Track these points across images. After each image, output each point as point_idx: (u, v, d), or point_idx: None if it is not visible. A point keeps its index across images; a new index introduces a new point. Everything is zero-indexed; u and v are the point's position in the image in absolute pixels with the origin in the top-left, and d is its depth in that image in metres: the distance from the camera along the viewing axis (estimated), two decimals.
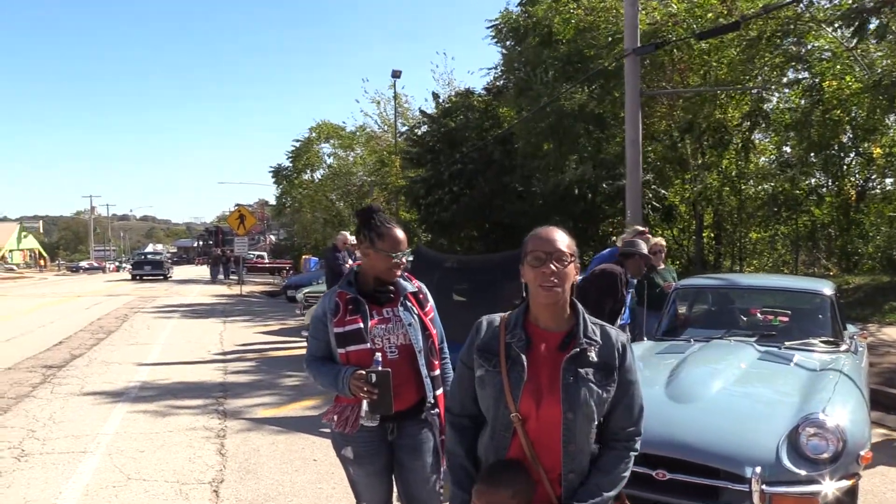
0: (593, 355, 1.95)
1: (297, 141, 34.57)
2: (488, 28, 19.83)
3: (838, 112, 15.92)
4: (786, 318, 6.04)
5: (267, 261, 43.30)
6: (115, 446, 5.90)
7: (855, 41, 15.35)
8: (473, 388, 2.07)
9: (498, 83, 21.61)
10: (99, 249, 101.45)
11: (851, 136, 17.04)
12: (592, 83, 17.41)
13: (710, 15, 15.64)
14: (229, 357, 10.74)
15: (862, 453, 3.40)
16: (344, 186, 32.47)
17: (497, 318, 2.11)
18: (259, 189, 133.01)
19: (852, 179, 18.44)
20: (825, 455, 3.34)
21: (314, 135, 34.16)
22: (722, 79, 16.92)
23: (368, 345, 2.65)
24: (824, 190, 18.60)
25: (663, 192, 18.13)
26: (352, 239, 11.04)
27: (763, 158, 20.01)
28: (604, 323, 2.06)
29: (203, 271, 43.57)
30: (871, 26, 12.27)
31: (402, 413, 2.66)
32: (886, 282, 14.65)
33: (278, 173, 36.05)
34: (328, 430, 5.90)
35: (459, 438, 2.12)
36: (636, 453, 2.03)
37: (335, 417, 2.75)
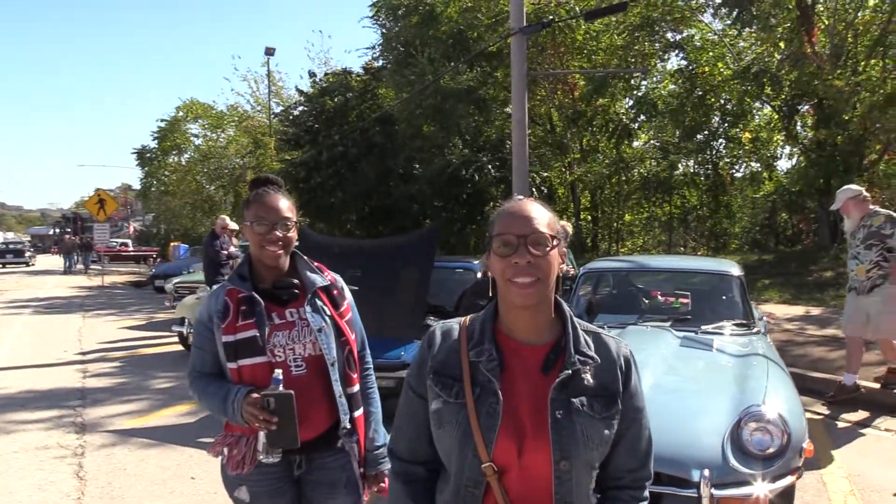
0: (589, 378, 1.45)
1: (163, 121, 32.42)
2: (370, 7, 19.25)
3: (710, 98, 16.52)
4: (686, 300, 5.93)
5: (131, 248, 40.59)
6: None
7: (721, 27, 16.03)
8: (427, 424, 1.53)
9: (376, 63, 21.02)
10: None
11: (721, 121, 17.75)
12: (475, 64, 17.22)
13: (592, 2, 15.79)
14: (89, 357, 9.62)
15: (804, 446, 3.19)
16: (214, 169, 30.73)
17: (455, 326, 1.58)
18: (122, 173, 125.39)
19: (720, 163, 19.26)
20: (770, 450, 3.10)
21: (182, 114, 32.13)
22: (602, 64, 17.19)
23: (266, 357, 2.09)
24: (696, 173, 19.35)
25: (545, 174, 18.24)
26: (233, 225, 10.29)
27: (637, 143, 20.59)
28: (598, 329, 1.57)
29: (60, 261, 40.48)
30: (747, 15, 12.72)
31: (310, 442, 2.12)
32: (755, 260, 15.35)
33: (143, 155, 33.71)
34: (209, 440, 5.22)
35: (409, 494, 1.56)
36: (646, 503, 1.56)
37: (225, 452, 2.14)
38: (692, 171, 19.91)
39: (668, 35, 16.26)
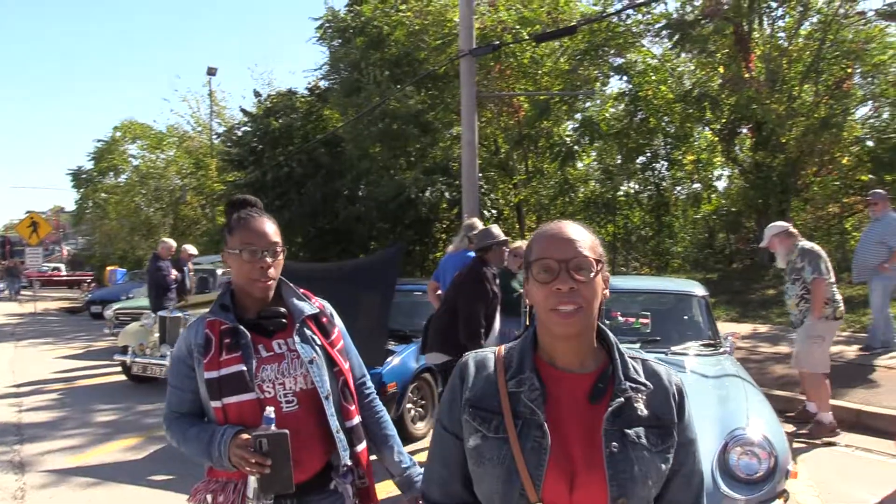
0: (642, 406, 1.35)
1: (101, 141, 31.48)
2: (316, 29, 19.13)
3: (653, 120, 16.89)
4: (646, 321, 5.94)
5: (64, 273, 39.05)
6: None
7: (661, 52, 16.48)
8: (462, 464, 1.41)
9: (322, 84, 20.90)
10: None
11: (663, 143, 18.15)
12: (422, 86, 17.27)
13: (538, 27, 16.03)
14: (24, 390, 9.09)
15: (789, 468, 3.17)
16: (154, 191, 29.89)
17: (489, 355, 1.46)
18: (55, 195, 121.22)
19: (662, 185, 19.66)
20: (759, 474, 3.09)
21: (119, 134, 31.25)
22: (546, 87, 17.45)
23: (255, 394, 1.91)
24: (641, 194, 19.72)
25: (493, 196, 18.36)
26: (190, 249, 10.18)
27: (580, 164, 20.91)
28: (645, 356, 1.47)
29: None
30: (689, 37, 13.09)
31: (304, 484, 1.94)
32: (699, 279, 15.63)
33: (78, 177, 32.60)
34: (160, 478, 4.96)
35: None
36: None
37: (209, 499, 1.96)
38: (634, 191, 20.31)
39: (612, 59, 16.59)
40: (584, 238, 1.37)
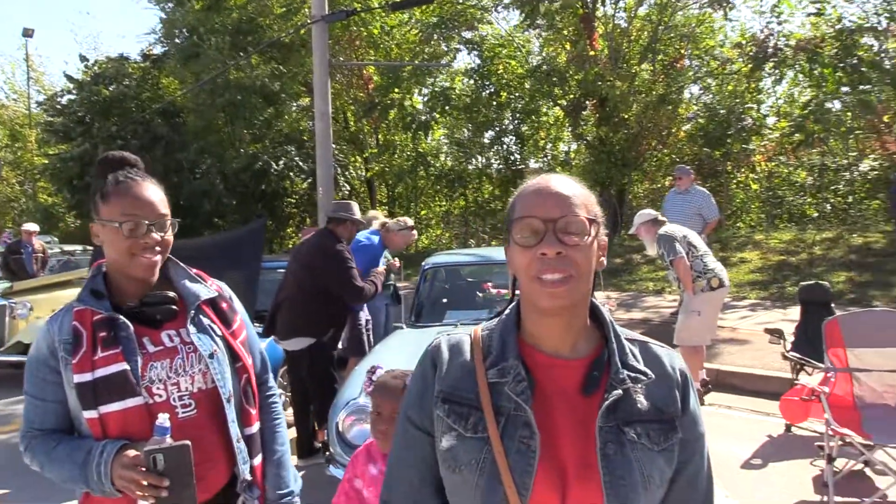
0: (642, 398, 1.13)
1: None
2: None
3: (504, 95, 17.16)
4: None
5: None
6: None
7: (507, 29, 16.74)
8: (432, 467, 1.17)
9: (156, 50, 19.46)
10: None
11: (512, 118, 18.50)
12: (267, 56, 16.55)
13: None
14: None
15: None
16: None
17: (465, 337, 1.22)
18: None
19: (512, 158, 20.10)
20: None
21: None
22: (397, 58, 17.28)
23: (142, 398, 1.54)
24: (490, 168, 20.05)
25: (349, 170, 18.04)
26: (31, 227, 9.22)
27: (430, 138, 20.97)
28: (645, 338, 1.23)
29: None
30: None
31: None
32: None
33: None
34: None
35: None
36: None
37: None
38: (483, 165, 20.61)
39: (464, 33, 16.64)
40: (576, 193, 1.14)
